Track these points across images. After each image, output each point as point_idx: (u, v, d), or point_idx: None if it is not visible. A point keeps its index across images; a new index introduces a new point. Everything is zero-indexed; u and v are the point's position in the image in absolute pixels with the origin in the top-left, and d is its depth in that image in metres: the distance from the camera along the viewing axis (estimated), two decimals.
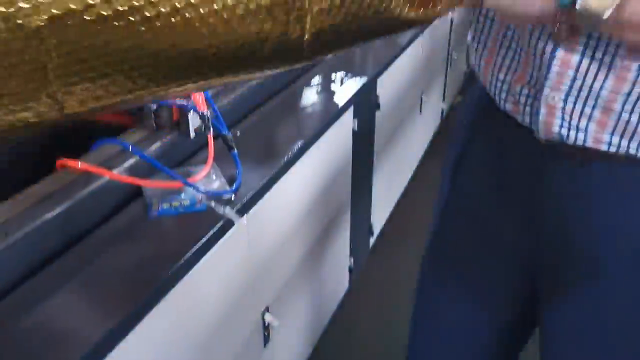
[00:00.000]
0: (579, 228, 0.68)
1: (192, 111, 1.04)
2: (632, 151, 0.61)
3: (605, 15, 0.50)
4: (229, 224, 0.94)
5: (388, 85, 1.74)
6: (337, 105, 1.37)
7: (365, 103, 1.58)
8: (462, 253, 0.84)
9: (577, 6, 0.51)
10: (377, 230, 1.94)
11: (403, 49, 1.84)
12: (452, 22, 2.57)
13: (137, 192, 0.97)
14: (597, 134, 0.61)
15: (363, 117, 1.56)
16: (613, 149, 0.61)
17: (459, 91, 3.09)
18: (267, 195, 1.07)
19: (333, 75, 1.53)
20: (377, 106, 1.68)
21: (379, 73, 1.65)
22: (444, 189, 0.85)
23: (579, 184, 0.65)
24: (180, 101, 1.04)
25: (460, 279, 0.85)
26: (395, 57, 1.78)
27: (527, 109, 0.66)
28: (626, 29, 0.51)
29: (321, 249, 1.47)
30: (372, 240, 1.92)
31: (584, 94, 0.60)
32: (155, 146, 1.01)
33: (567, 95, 0.61)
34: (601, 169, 0.64)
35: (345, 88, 1.46)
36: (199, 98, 1.05)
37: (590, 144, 0.62)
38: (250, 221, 1.01)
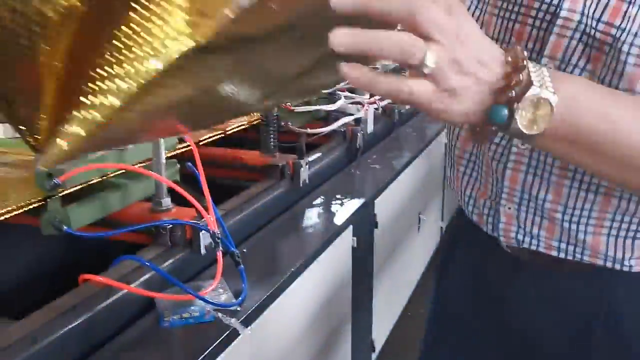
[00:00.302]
0: (546, 335, 0.76)
1: (203, 230, 1.16)
2: (577, 257, 0.71)
3: (537, 136, 0.52)
4: (234, 334, 1.02)
5: (385, 206, 1.86)
6: (336, 224, 1.49)
7: (363, 222, 1.70)
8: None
9: (514, 126, 0.51)
10: (378, 346, 1.98)
11: (399, 171, 1.99)
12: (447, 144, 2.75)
13: (151, 304, 1.06)
14: (547, 240, 0.72)
15: (362, 235, 1.67)
16: (562, 255, 0.71)
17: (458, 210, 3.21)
18: (271, 308, 1.15)
19: (333, 198, 1.66)
20: (375, 225, 1.79)
21: (376, 195, 1.79)
22: (433, 295, 0.94)
23: (542, 289, 0.75)
24: (192, 221, 1.16)
25: None
26: (392, 179, 1.92)
27: (490, 219, 0.76)
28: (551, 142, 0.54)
29: None
30: (374, 357, 1.95)
31: (532, 205, 0.71)
32: (169, 262, 1.12)
33: (519, 205, 0.72)
34: (555, 275, 0.74)
35: (345, 209, 1.58)
36: (210, 218, 1.17)
37: (542, 249, 0.72)
38: (254, 332, 1.09)
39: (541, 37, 0.65)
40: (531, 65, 0.51)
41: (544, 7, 0.64)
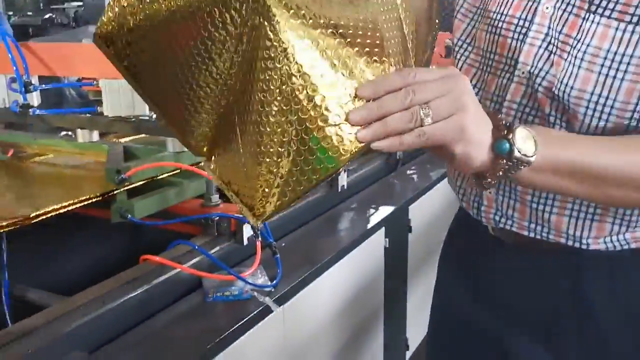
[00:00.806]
0: (528, 307, 0.88)
1: (246, 223, 1.33)
2: (544, 236, 0.83)
3: (533, 159, 0.67)
4: (267, 311, 1.18)
5: (420, 212, 1.99)
6: (369, 225, 1.64)
7: (397, 226, 1.83)
8: (447, 343, 1.05)
9: (515, 153, 0.65)
10: (413, 345, 2.09)
11: (436, 182, 2.11)
12: None
13: (197, 284, 1.24)
14: (519, 221, 0.85)
15: (395, 238, 1.80)
16: (532, 234, 0.84)
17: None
18: (303, 292, 1.30)
19: (369, 203, 1.81)
20: (410, 229, 1.92)
21: (411, 201, 1.92)
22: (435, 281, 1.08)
23: (520, 266, 0.88)
24: (238, 215, 1.34)
25: None
26: (428, 188, 2.05)
27: (475, 204, 0.90)
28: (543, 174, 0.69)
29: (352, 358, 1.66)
30: (408, 355, 2.07)
31: (508, 189, 0.85)
32: (216, 249, 1.29)
33: (498, 190, 0.85)
34: (530, 254, 0.87)
35: (379, 212, 1.73)
36: None
37: (515, 229, 0.85)
38: (285, 312, 1.25)
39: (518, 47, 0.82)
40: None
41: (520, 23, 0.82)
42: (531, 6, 0.80)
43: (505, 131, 0.66)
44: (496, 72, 0.84)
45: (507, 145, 0.65)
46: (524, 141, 0.66)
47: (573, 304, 0.84)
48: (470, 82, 0.86)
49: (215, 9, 0.63)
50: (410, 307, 2.02)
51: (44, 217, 1.20)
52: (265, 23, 0.61)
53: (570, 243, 0.82)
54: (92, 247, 1.64)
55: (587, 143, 0.72)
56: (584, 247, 0.82)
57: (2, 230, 1.14)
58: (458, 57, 0.91)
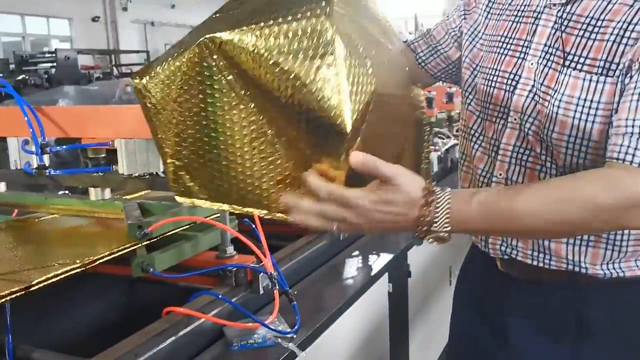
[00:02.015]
0: (534, 340, 0.95)
1: (262, 273, 1.37)
2: (547, 263, 0.91)
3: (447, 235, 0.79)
4: (292, 356, 1.22)
5: (418, 258, 2.06)
6: (373, 271, 1.69)
7: (398, 271, 1.89)
8: None
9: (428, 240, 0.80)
10: None
11: None
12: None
13: (219, 334, 1.27)
14: (523, 250, 0.94)
15: (397, 283, 1.86)
16: (535, 262, 0.92)
17: None
18: (322, 338, 1.34)
19: (370, 249, 1.87)
20: (409, 274, 1.98)
21: (409, 247, 1.99)
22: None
23: (527, 299, 0.95)
24: (253, 265, 1.38)
25: None
26: None
27: (482, 236, 0.99)
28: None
29: None
30: None
31: None
32: (234, 300, 1.33)
33: None
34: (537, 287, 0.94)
35: (381, 259, 1.79)
36: (268, 262, 1.38)
37: (520, 258, 0.93)
38: (308, 356, 1.28)
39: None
40: (438, 200, 0.77)
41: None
42: (519, 63, 0.94)
43: (423, 231, 0.77)
44: (492, 119, 0.96)
45: (420, 242, 0.79)
46: (435, 239, 0.78)
47: (577, 332, 0.92)
48: (472, 127, 1.01)
49: None
50: (411, 352, 2.06)
51: (62, 277, 1.21)
52: None
53: (570, 268, 0.90)
54: (91, 305, 1.65)
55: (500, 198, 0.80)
56: (583, 271, 0.90)
57: (13, 296, 1.11)
58: (463, 101, 1.05)
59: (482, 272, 1.04)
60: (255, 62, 0.77)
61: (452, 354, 1.17)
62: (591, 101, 0.84)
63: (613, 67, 0.83)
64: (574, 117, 0.85)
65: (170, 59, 0.86)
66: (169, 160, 0.90)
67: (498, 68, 0.95)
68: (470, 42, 1.03)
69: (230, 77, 0.81)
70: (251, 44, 0.77)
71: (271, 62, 0.76)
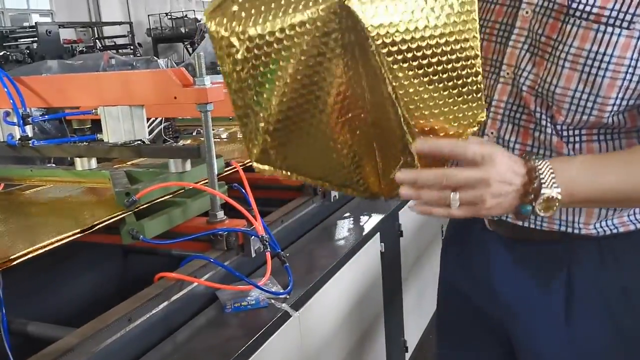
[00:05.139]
0: (521, 293, 0.96)
1: (253, 236, 1.37)
2: (538, 224, 0.91)
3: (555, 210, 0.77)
4: (285, 317, 1.23)
5: (409, 218, 2.06)
6: (365, 231, 1.69)
7: (389, 231, 1.89)
8: (450, 327, 1.12)
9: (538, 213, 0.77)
10: (411, 346, 2.15)
11: None
12: None
13: (212, 297, 1.27)
14: None
15: (389, 243, 1.87)
16: (526, 224, 0.91)
17: None
18: (315, 298, 1.35)
19: (361, 211, 1.87)
20: (401, 234, 1.99)
21: (400, 207, 1.99)
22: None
23: (517, 254, 0.95)
24: (244, 228, 1.38)
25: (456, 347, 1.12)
26: None
27: None
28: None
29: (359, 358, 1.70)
30: (407, 357, 2.12)
31: None
32: (226, 263, 1.33)
33: None
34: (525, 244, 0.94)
35: (372, 219, 1.79)
36: (258, 225, 1.38)
37: (511, 219, 0.92)
38: (301, 316, 1.29)
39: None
40: (539, 166, 0.75)
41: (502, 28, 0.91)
42: (511, 11, 0.88)
43: (532, 195, 0.75)
44: (484, 74, 0.91)
45: (529, 208, 0.76)
46: (545, 203, 0.75)
47: (566, 293, 0.92)
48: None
49: None
50: (405, 310, 2.08)
51: (51, 247, 1.20)
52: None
53: (563, 229, 0.89)
54: (84, 277, 1.65)
55: (608, 170, 0.80)
56: (576, 231, 0.89)
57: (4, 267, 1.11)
58: None
59: (470, 231, 1.03)
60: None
61: (441, 313, 1.17)
62: (603, 54, 0.79)
63: (627, 17, 0.78)
64: (582, 71, 0.80)
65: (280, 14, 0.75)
66: (261, 125, 0.82)
67: (488, 18, 0.90)
68: None
69: (354, 48, 0.76)
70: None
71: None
